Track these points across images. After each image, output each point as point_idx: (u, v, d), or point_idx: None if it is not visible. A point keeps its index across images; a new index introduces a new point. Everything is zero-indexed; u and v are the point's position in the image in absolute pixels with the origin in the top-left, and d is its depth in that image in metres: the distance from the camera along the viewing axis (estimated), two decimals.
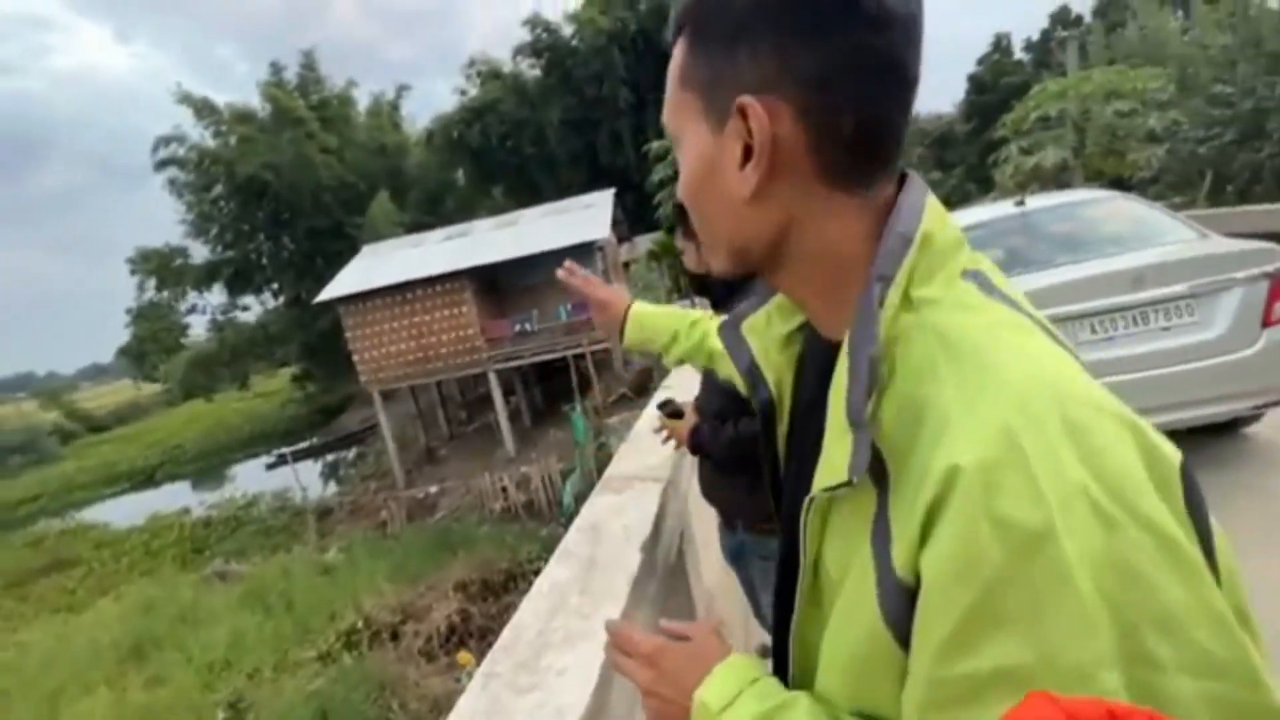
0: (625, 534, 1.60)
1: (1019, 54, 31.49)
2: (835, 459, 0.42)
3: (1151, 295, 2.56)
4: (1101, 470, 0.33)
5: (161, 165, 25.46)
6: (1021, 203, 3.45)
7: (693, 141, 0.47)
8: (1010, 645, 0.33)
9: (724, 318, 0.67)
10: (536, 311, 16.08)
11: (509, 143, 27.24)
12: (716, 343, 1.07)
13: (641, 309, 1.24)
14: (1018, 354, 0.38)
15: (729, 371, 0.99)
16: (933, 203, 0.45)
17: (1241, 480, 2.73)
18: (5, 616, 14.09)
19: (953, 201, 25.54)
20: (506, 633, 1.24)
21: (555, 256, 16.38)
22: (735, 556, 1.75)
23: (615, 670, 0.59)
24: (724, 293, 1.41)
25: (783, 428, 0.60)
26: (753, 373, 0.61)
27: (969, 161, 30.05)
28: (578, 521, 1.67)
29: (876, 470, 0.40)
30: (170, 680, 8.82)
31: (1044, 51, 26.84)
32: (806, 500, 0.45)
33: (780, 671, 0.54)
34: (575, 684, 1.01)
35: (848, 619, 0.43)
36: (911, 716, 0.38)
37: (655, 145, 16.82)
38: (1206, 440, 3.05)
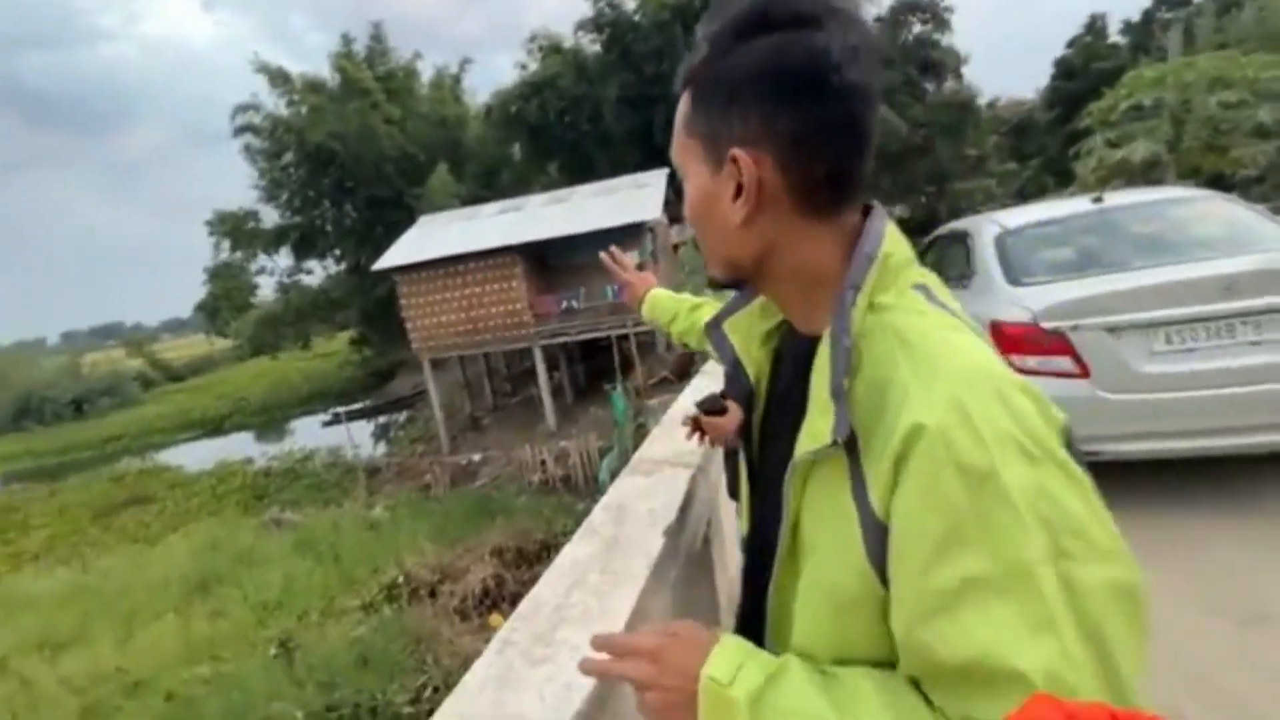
0: (650, 517, 1.60)
1: (1115, 37, 29.10)
2: (818, 428, 0.52)
3: (1243, 305, 2.35)
4: (1022, 424, 0.45)
5: (239, 132, 26.68)
6: (1099, 199, 3.21)
7: (695, 178, 0.59)
8: (974, 558, 0.43)
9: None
10: (584, 290, 16.16)
11: (566, 118, 27.21)
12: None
13: (659, 291, 1.40)
14: (956, 346, 0.50)
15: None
16: (891, 229, 0.57)
17: None
18: (91, 544, 15.47)
19: (1028, 195, 24.06)
20: (525, 603, 1.26)
21: (605, 235, 16.41)
22: None
23: (608, 677, 0.61)
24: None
25: (758, 415, 0.71)
26: (735, 366, 0.71)
27: (1049, 153, 28.17)
28: (603, 500, 1.69)
29: (849, 440, 0.50)
30: (229, 614, 9.51)
31: (1144, 35, 24.69)
32: (791, 465, 0.54)
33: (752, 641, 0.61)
34: None
35: (830, 567, 0.52)
36: (901, 635, 0.47)
37: None
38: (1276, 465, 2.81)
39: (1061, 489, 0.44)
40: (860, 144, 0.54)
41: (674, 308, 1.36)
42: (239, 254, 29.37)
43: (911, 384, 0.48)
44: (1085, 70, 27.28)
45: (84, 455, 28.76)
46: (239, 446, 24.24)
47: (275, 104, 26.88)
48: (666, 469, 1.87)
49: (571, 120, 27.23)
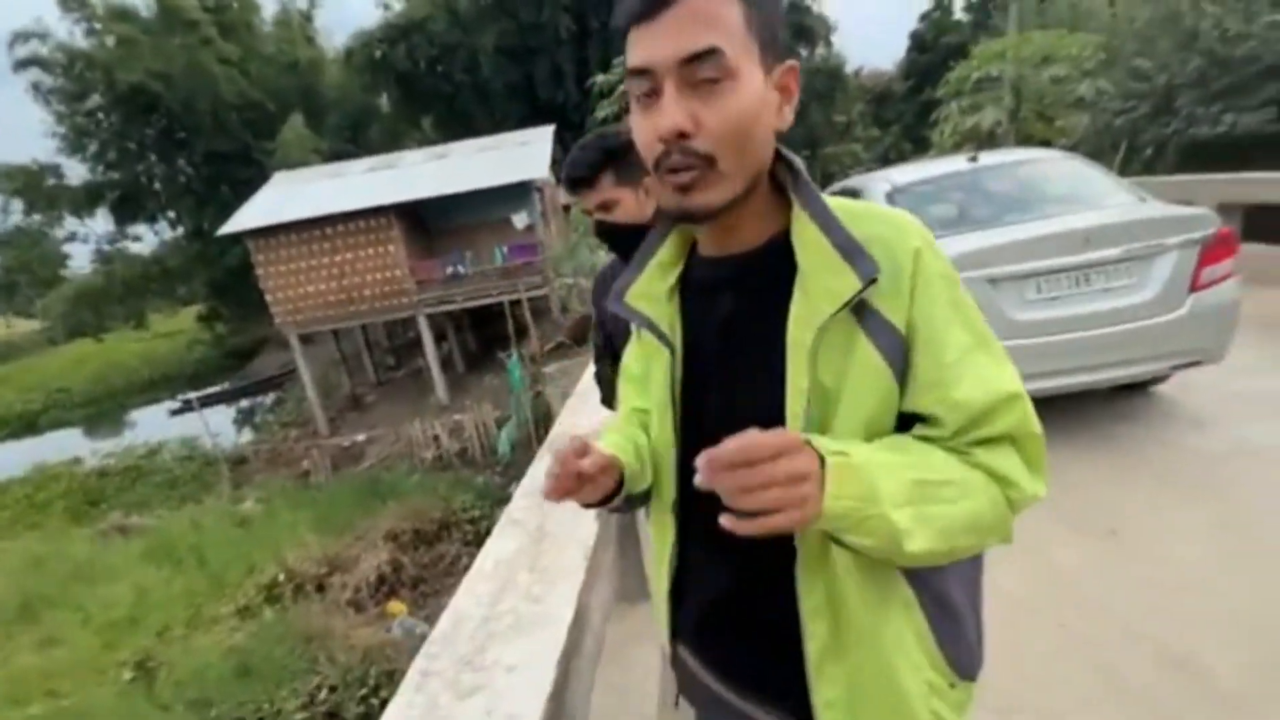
0: None
1: (959, 14, 31.78)
2: (835, 288, 0.59)
3: (1096, 257, 2.60)
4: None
5: (21, 65, 21.80)
6: (974, 159, 3.42)
7: (750, 81, 0.59)
8: (965, 334, 0.61)
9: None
10: (470, 253, 15.24)
11: (439, 68, 25.09)
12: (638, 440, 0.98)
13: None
14: (882, 208, 0.67)
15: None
16: None
17: (1152, 434, 2.92)
18: None
19: (890, 159, 26.02)
20: (444, 620, 1.07)
21: (490, 195, 15.44)
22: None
23: (748, 491, 0.48)
24: (635, 245, 1.26)
25: (678, 372, 0.72)
26: (653, 329, 0.72)
27: (906, 120, 30.53)
28: (523, 484, 1.51)
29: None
30: (66, 641, 8.18)
31: (983, 12, 27.16)
32: (816, 331, 0.60)
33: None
34: (527, 685, 0.87)
35: (863, 398, 0.61)
36: (932, 403, 0.61)
37: (600, 80, 15.85)
38: (1118, 396, 3.23)
39: (965, 291, 0.65)
40: None
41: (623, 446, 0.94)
42: (37, 217, 24.46)
43: (887, 228, 0.62)
44: (935, 44, 29.61)
45: None
46: (63, 445, 20.63)
47: (70, 33, 22.23)
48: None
49: (445, 70, 25.20)
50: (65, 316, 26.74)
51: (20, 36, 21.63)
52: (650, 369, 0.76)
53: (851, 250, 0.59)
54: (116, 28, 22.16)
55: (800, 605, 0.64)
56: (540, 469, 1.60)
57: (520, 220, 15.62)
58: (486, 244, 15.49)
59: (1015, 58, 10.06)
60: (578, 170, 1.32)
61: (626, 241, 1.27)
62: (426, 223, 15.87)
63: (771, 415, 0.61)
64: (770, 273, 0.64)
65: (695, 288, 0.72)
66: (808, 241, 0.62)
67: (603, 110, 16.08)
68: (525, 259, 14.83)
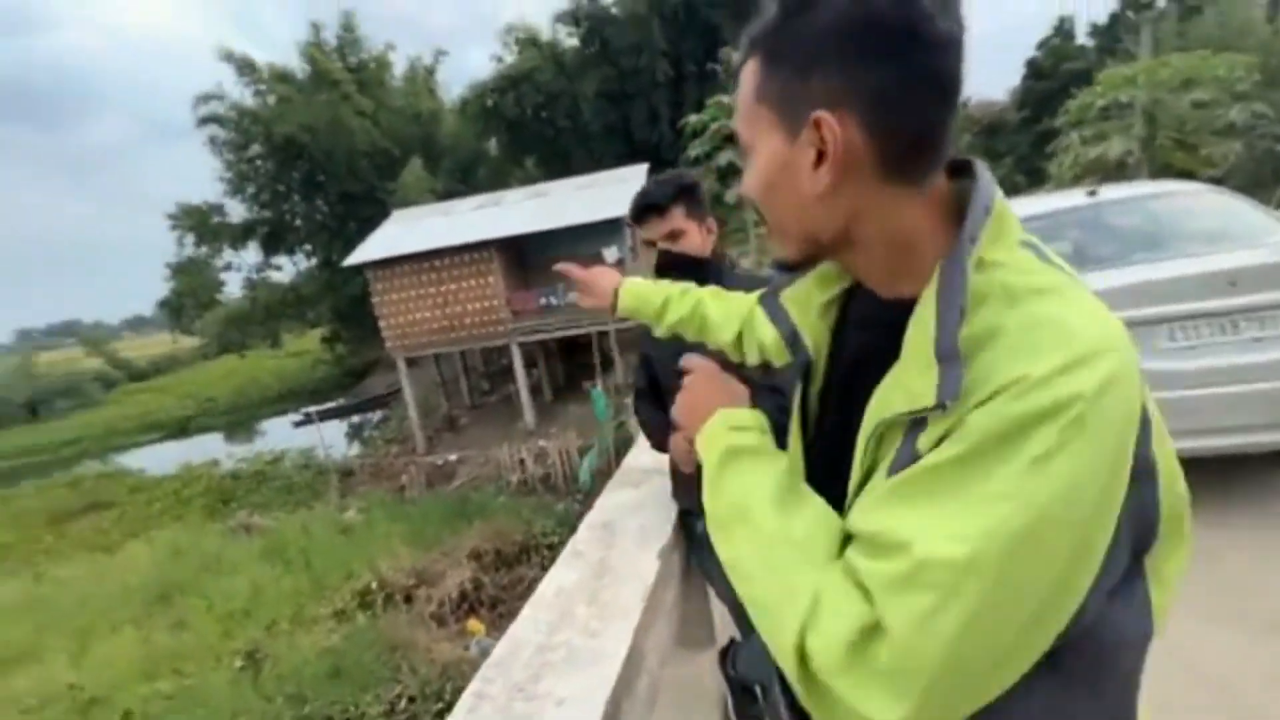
0: (641, 535, 1.44)
1: (1082, 39, 29.73)
2: (916, 388, 0.48)
3: (1247, 301, 2.28)
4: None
5: (203, 122, 25.71)
6: (1094, 193, 3.14)
7: (766, 149, 0.56)
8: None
9: (763, 290, 0.80)
10: (563, 286, 15.90)
11: (543, 113, 26.84)
12: (710, 310, 1.11)
13: (635, 280, 1.23)
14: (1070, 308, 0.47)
15: (719, 341, 1.08)
16: (995, 183, 0.54)
17: None
18: (45, 552, 14.76)
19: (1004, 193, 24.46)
20: (502, 645, 1.10)
21: (584, 230, 16.13)
22: (699, 547, 1.57)
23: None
24: (690, 277, 1.32)
25: (816, 387, 0.70)
26: (794, 337, 0.71)
27: (1019, 152, 28.66)
28: (590, 517, 1.53)
29: None
30: (193, 626, 9.11)
31: (1110, 37, 25.24)
32: (878, 422, 0.52)
33: None
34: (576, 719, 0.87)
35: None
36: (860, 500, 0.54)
37: (692, 120, 16.26)
38: (1261, 465, 2.76)
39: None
40: (951, 100, 0.50)
41: (662, 294, 1.18)
42: (204, 249, 28.39)
43: (1032, 359, 0.44)
44: (1054, 71, 27.79)
45: (39, 460, 27.53)
46: (206, 448, 23.42)
47: (241, 94, 26.02)
48: (657, 479, 1.72)
49: (549, 115, 26.87)
50: (217, 335, 30.66)
51: (203, 98, 25.60)
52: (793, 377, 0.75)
53: (946, 355, 0.47)
54: (278, 88, 25.68)
55: None
56: (607, 501, 1.61)
57: (611, 254, 16.14)
58: None
59: (1149, 82, 9.20)
60: (652, 198, 1.40)
61: (684, 274, 1.31)
62: (524, 256, 16.77)
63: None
64: (901, 332, 0.56)
65: (851, 313, 0.68)
66: (920, 320, 0.52)
67: (695, 149, 16.43)
68: None
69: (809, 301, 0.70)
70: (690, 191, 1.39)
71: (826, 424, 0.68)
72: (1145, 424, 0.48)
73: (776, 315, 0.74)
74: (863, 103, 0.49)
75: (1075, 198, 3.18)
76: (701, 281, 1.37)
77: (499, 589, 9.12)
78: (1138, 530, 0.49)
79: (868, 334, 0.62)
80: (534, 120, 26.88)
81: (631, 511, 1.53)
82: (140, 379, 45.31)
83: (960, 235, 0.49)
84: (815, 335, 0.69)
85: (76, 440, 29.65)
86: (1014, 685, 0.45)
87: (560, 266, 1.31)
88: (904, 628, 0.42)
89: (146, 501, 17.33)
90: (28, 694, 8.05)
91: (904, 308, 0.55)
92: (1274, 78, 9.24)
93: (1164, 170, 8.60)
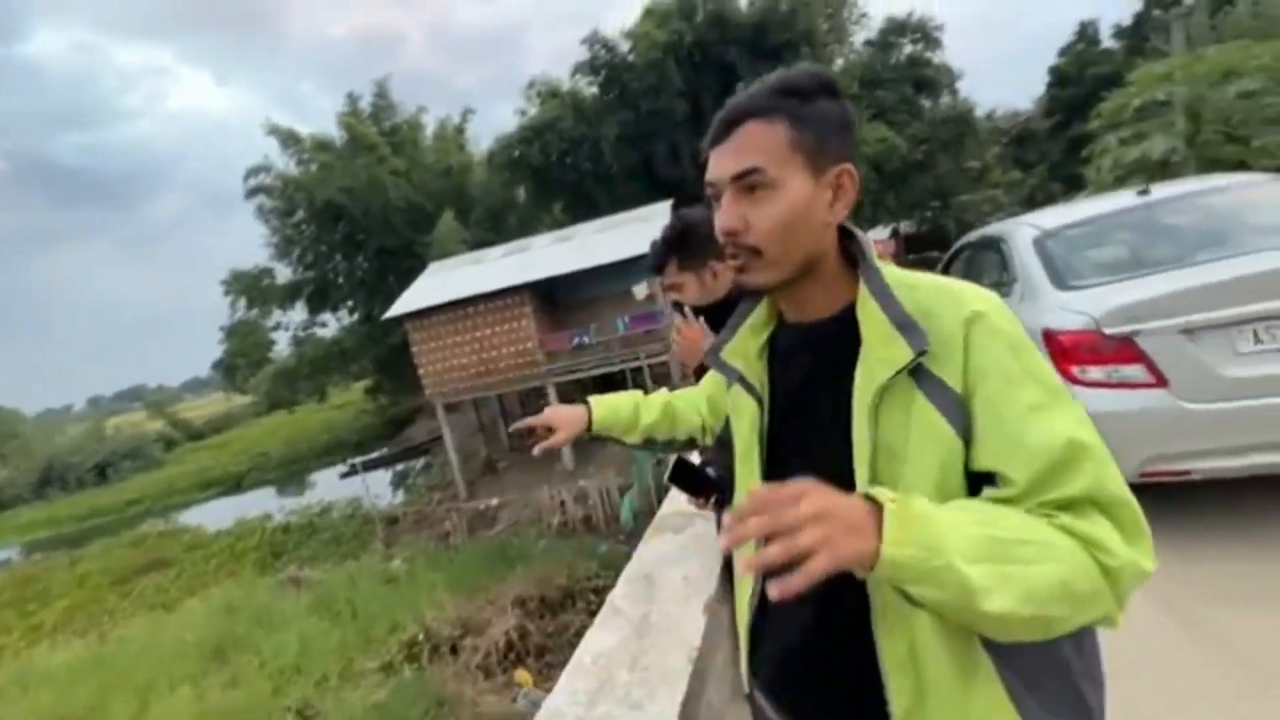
0: (685, 587, 1.33)
1: (1107, 42, 29.17)
2: (891, 356, 0.66)
3: None
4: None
5: (252, 193, 27.38)
6: (1145, 191, 2.97)
7: (796, 187, 0.72)
8: (1034, 391, 0.64)
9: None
10: (594, 325, 16.04)
11: (567, 159, 27.60)
12: (677, 402, 1.28)
13: (599, 396, 1.33)
14: (945, 279, 0.74)
15: (690, 426, 1.28)
16: None
17: None
18: (109, 612, 15.22)
19: (1037, 201, 23.78)
20: (540, 718, 1.00)
21: (612, 269, 16.26)
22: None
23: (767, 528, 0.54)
24: (710, 318, 1.44)
25: (765, 425, 0.81)
26: (744, 383, 0.83)
27: (1051, 159, 27.97)
28: (629, 569, 1.42)
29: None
30: (245, 683, 9.16)
31: (1137, 38, 24.68)
32: (875, 392, 0.67)
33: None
34: None
35: (928, 458, 0.65)
36: (998, 457, 0.63)
37: None
38: None
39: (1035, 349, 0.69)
40: None
41: (631, 400, 1.30)
42: (254, 311, 29.82)
43: (942, 298, 0.69)
44: (1081, 77, 27.24)
45: (106, 520, 28.75)
46: (259, 502, 24.09)
47: (286, 164, 27.68)
48: (700, 523, 1.61)
49: (573, 161, 27.63)
50: (268, 393, 31.90)
51: (253, 171, 27.33)
52: (739, 421, 0.85)
53: (905, 324, 0.67)
54: (319, 156, 27.24)
55: (881, 660, 0.66)
56: (646, 551, 1.51)
57: (640, 291, 16.24)
58: (610, 315, 16.22)
59: (1186, 77, 8.86)
60: (650, 261, 1.51)
61: (709, 320, 1.40)
62: (555, 298, 17.03)
63: (842, 472, 0.67)
64: (841, 339, 0.73)
65: (781, 350, 0.83)
66: (868, 315, 0.70)
67: None
68: (645, 327, 15.27)
69: (747, 350, 0.84)
70: (682, 241, 1.43)
71: (794, 441, 0.79)
72: None
73: (725, 369, 0.85)
74: (853, 160, 0.74)
75: (1124, 199, 3.01)
76: (716, 326, 1.34)
77: (545, 636, 8.92)
78: None
79: (803, 358, 0.78)
80: (558, 167, 27.66)
81: (674, 561, 1.43)
82: (198, 438, 47.28)
83: (865, 255, 0.74)
84: (758, 377, 0.82)
85: (139, 500, 30.89)
86: None
87: (519, 424, 1.37)
88: (1122, 505, 0.61)
89: (203, 558, 17.80)
90: None
91: (823, 329, 0.76)
92: None
93: (1213, 165, 8.16)
